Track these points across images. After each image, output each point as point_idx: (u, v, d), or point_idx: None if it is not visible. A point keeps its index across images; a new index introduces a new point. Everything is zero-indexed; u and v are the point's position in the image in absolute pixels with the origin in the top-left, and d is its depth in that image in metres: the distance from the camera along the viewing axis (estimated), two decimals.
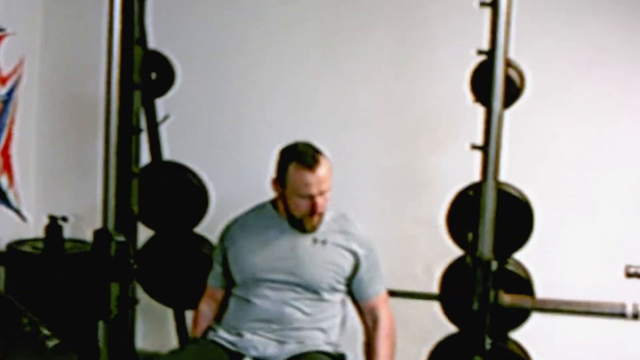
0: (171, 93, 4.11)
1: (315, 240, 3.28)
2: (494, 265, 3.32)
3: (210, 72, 4.54)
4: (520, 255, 3.73)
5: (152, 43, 4.11)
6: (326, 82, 4.39)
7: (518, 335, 3.69)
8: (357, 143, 4.36)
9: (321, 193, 3.19)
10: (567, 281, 4.00)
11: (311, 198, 3.18)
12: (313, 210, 3.20)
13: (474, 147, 3.49)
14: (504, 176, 3.59)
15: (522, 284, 3.54)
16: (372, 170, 4.40)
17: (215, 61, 4.54)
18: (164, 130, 4.22)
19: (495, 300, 3.28)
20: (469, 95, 3.71)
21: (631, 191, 4.19)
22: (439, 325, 3.82)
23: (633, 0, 4.28)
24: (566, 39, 4.34)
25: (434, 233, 3.93)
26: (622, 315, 3.33)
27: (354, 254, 3.31)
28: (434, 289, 3.82)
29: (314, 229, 3.27)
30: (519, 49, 3.72)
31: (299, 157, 3.20)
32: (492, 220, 3.36)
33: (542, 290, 3.60)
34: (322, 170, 3.18)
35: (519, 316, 3.51)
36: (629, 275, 3.31)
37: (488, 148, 3.45)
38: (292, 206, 3.23)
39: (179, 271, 4.03)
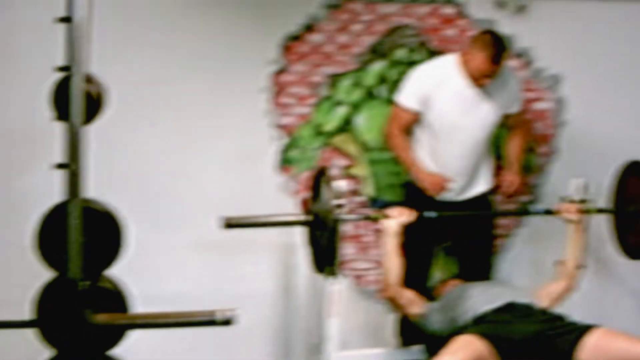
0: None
1: None
2: (86, 284, 3.25)
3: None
4: (116, 271, 3.73)
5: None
6: None
7: (121, 351, 3.68)
8: None
9: None
10: (169, 291, 4.09)
11: None
12: None
13: (59, 165, 3.40)
14: (92, 193, 3.55)
15: (117, 300, 3.50)
16: None
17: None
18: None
19: (88, 320, 3.22)
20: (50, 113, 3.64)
21: (217, 198, 4.36)
22: (38, 350, 3.70)
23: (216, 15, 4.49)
24: (149, 51, 4.44)
25: (25, 257, 3.79)
26: (213, 322, 3.43)
27: None
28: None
29: None
30: (103, 62, 3.70)
31: None
32: (79, 239, 3.29)
33: (144, 303, 3.61)
34: None
35: (116, 334, 3.47)
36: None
37: (71, 165, 3.37)
38: None
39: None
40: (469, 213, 4.54)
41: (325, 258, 3.96)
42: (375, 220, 4.23)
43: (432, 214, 4.27)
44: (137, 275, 3.74)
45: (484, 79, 4.31)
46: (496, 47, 4.28)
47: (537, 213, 4.72)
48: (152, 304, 3.52)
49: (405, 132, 4.50)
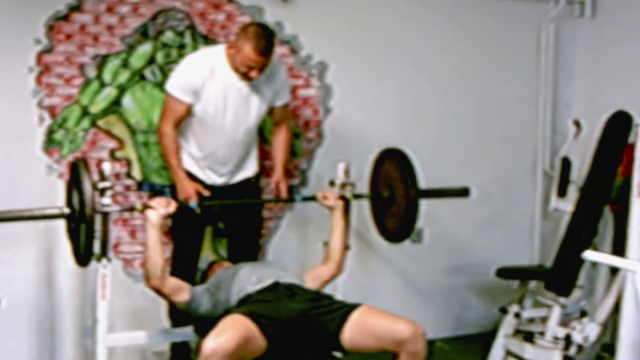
0: None
1: None
2: None
3: None
4: None
5: None
6: None
7: None
8: None
9: None
10: None
11: None
12: None
13: None
14: None
15: None
16: None
17: None
18: None
19: None
20: None
21: None
22: None
23: None
24: None
25: None
26: None
27: None
28: None
29: None
30: None
31: None
32: None
33: None
34: None
35: None
36: None
37: None
38: None
39: None
40: (234, 202, 4.53)
41: (86, 252, 3.81)
42: (136, 211, 4.10)
43: (193, 204, 4.26)
44: None
45: (251, 71, 4.25)
46: (264, 39, 4.21)
47: (297, 200, 4.80)
48: None
49: (178, 125, 4.43)
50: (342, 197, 4.44)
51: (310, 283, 4.13)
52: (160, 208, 3.98)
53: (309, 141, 5.23)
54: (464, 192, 4.61)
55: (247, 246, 4.70)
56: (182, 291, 3.98)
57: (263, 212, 4.89)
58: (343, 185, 4.50)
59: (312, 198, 4.50)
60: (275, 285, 3.92)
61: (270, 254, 5.12)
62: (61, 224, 3.99)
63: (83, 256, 3.82)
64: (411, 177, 4.32)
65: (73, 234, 3.89)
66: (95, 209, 3.74)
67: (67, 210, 3.86)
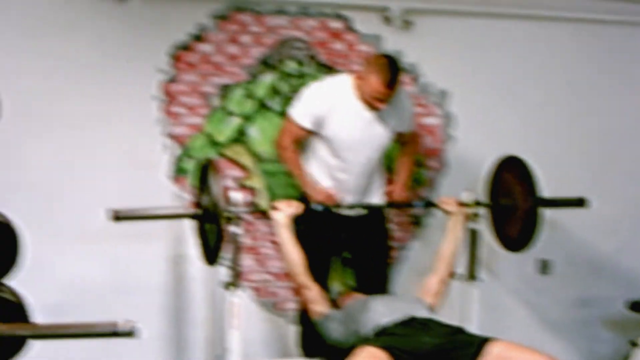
0: None
1: None
2: None
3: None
4: (15, 282, 3.56)
5: None
6: None
7: None
8: None
9: None
10: (70, 298, 3.96)
11: None
12: None
13: None
14: None
15: (16, 310, 3.33)
16: None
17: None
18: None
19: None
20: None
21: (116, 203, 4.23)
22: None
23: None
24: (40, 60, 4.32)
25: None
26: (115, 333, 3.30)
27: None
28: None
29: None
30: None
31: None
32: None
33: (45, 313, 3.45)
34: None
35: (17, 344, 3.29)
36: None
37: None
38: None
39: None
40: (359, 205, 4.51)
41: (214, 250, 3.91)
42: (264, 212, 4.16)
43: (318, 207, 4.30)
44: (36, 284, 3.56)
45: (377, 102, 4.26)
46: (391, 71, 4.21)
47: (418, 206, 4.86)
48: (51, 312, 3.39)
49: (297, 144, 4.46)
50: (461, 204, 4.40)
51: (429, 299, 4.12)
52: (286, 208, 4.12)
53: (431, 170, 5.15)
54: (579, 202, 4.50)
55: (375, 276, 4.64)
56: (323, 304, 4.07)
57: (389, 242, 4.82)
58: (468, 204, 4.42)
59: (432, 204, 4.51)
60: (411, 320, 3.86)
61: (398, 283, 5.04)
62: (191, 255, 4.02)
63: (211, 255, 3.94)
64: (531, 184, 4.25)
65: (203, 235, 4.02)
66: (223, 211, 3.86)
67: (198, 211, 4.01)
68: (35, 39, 4.38)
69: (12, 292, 3.38)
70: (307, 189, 4.44)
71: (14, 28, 4.32)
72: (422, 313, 3.95)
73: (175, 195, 4.73)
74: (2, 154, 3.94)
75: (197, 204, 4.07)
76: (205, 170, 4.01)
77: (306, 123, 4.35)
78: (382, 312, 3.92)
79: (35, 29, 4.41)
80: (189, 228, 4.22)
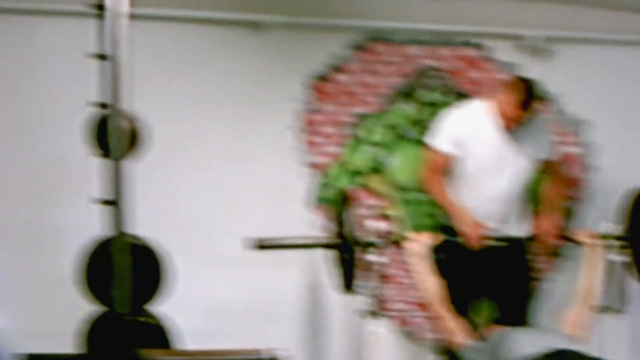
0: None
1: None
2: (133, 319, 3.16)
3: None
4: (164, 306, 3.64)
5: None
6: None
7: None
8: None
9: None
10: (215, 327, 4.01)
11: None
12: None
13: (104, 202, 3.32)
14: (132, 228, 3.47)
15: (161, 335, 3.41)
16: None
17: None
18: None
19: (137, 356, 3.11)
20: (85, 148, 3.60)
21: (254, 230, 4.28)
22: None
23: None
24: (180, 88, 4.42)
25: (66, 290, 3.70)
26: None
27: None
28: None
29: None
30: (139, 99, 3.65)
31: None
32: (126, 275, 3.20)
33: (193, 339, 3.51)
34: None
35: None
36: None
37: (117, 201, 3.30)
38: None
39: None
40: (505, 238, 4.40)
41: (351, 277, 3.93)
42: (398, 243, 4.12)
43: (455, 239, 4.23)
44: (183, 309, 3.63)
45: (511, 122, 4.23)
46: (527, 93, 4.20)
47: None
48: (198, 337, 3.45)
49: (441, 175, 4.42)
50: (599, 236, 4.22)
51: (572, 332, 4.04)
52: (421, 238, 4.10)
53: (574, 200, 5.02)
54: None
55: (517, 309, 4.53)
56: (462, 334, 4.03)
57: (531, 273, 4.70)
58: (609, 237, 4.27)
59: (570, 239, 4.36)
60: (557, 353, 3.77)
61: (540, 315, 4.91)
62: (326, 283, 4.03)
63: (348, 283, 3.96)
64: None
65: (343, 263, 4.02)
66: (358, 241, 3.88)
67: (338, 240, 4.00)
68: (173, 67, 4.49)
69: (156, 317, 3.46)
70: (454, 220, 4.38)
71: (154, 56, 4.40)
72: (566, 345, 3.86)
73: (309, 224, 4.74)
74: (153, 183, 4.03)
75: (336, 233, 4.07)
76: (344, 200, 4.03)
77: (448, 148, 4.33)
78: (526, 344, 3.86)
79: (175, 58, 4.50)
80: (322, 255, 4.23)
